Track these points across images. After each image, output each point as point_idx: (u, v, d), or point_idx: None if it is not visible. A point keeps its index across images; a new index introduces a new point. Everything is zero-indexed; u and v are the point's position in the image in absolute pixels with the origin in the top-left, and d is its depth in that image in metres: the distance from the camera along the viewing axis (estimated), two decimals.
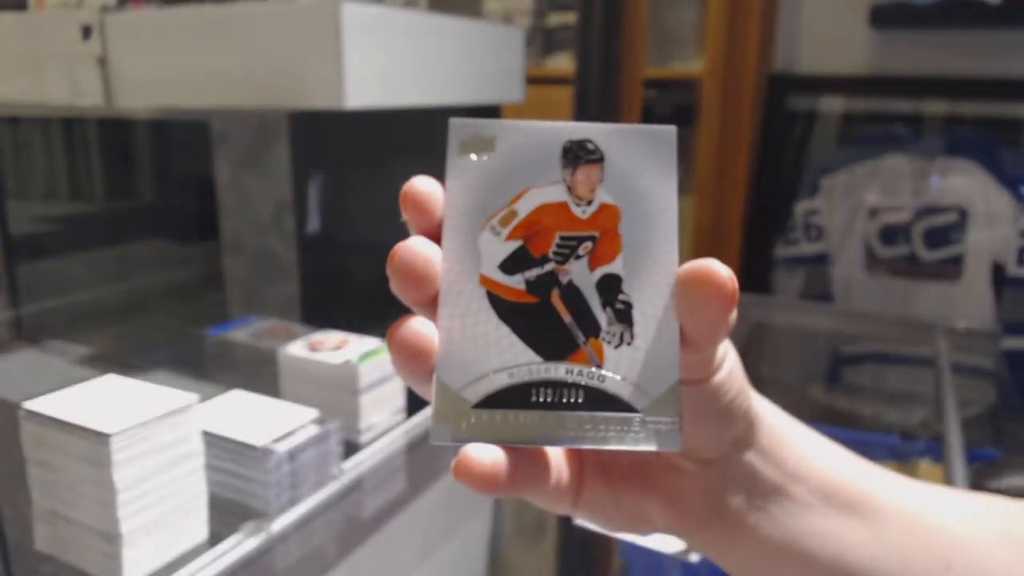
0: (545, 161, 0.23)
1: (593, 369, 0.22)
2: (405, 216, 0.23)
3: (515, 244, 0.22)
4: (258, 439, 0.56)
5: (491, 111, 1.00)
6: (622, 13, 1.27)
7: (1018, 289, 1.44)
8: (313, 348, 0.69)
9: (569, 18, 1.74)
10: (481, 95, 0.89)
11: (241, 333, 0.74)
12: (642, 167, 0.23)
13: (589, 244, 0.23)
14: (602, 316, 0.22)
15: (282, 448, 0.57)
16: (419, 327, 0.21)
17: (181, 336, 0.84)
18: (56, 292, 0.94)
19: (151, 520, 0.51)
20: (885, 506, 0.27)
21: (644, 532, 0.32)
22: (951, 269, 1.49)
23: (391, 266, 0.22)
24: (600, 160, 0.23)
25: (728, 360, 0.25)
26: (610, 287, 0.22)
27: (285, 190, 0.70)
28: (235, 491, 0.58)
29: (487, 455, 0.21)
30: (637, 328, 0.22)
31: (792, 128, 1.73)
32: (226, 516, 0.56)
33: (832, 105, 1.70)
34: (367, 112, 0.70)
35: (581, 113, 1.32)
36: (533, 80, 1.02)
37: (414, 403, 0.74)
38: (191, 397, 0.52)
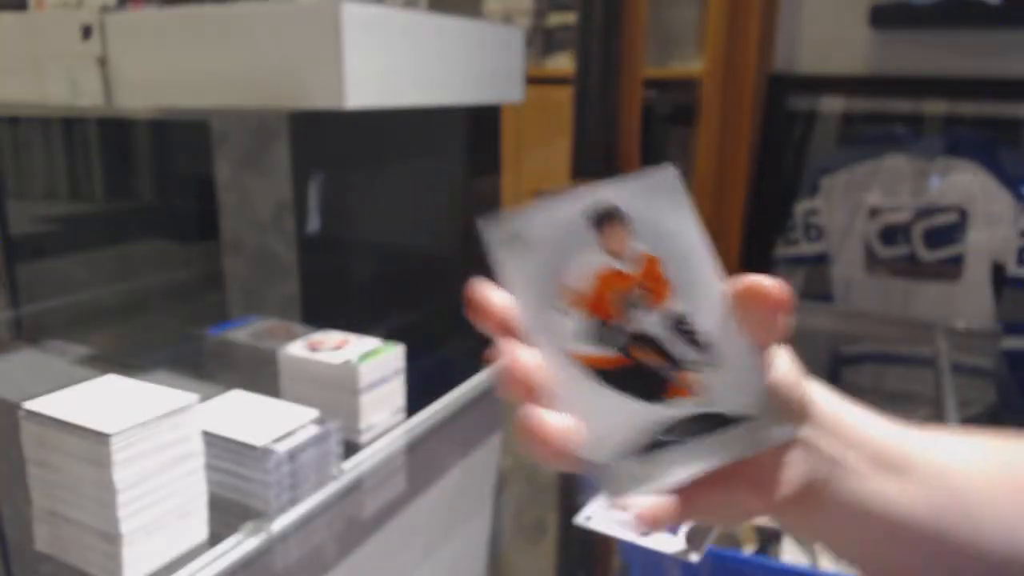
0: (577, 234, 0.25)
1: (695, 397, 0.25)
2: (473, 320, 0.26)
3: (583, 316, 0.25)
4: (258, 439, 0.56)
5: (491, 111, 1.00)
6: (622, 13, 1.27)
7: (1018, 289, 1.44)
8: (313, 348, 0.69)
9: (569, 18, 1.74)
10: (481, 95, 0.89)
11: (241, 333, 0.74)
12: (661, 211, 0.25)
13: (643, 293, 0.25)
14: (684, 350, 0.25)
15: (282, 448, 0.57)
16: (559, 423, 0.24)
17: (181, 336, 0.84)
18: (56, 292, 0.94)
19: (151, 520, 0.51)
20: (918, 464, 0.31)
21: (744, 521, 0.38)
22: (951, 269, 1.49)
23: (508, 381, 0.25)
24: (623, 218, 0.25)
25: (782, 357, 0.28)
26: (678, 324, 0.25)
27: (285, 190, 0.70)
28: (235, 491, 0.58)
29: (653, 504, 0.25)
30: (715, 350, 0.25)
31: (792, 128, 1.73)
32: (226, 516, 0.56)
33: (832, 105, 1.70)
34: (367, 112, 0.70)
35: (581, 113, 1.32)
36: (533, 80, 1.02)
37: (414, 403, 0.74)
38: (191, 397, 0.52)
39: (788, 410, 0.28)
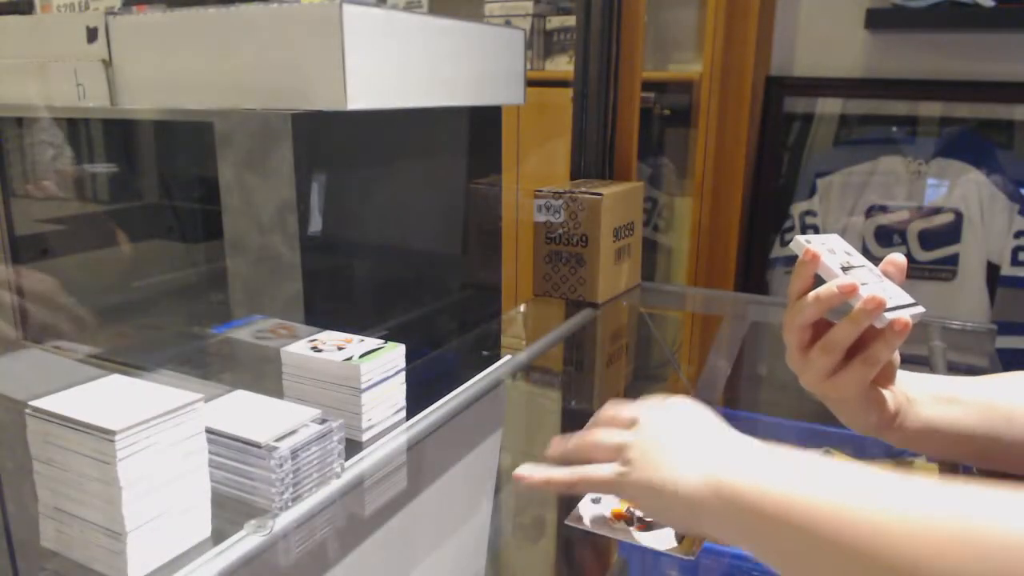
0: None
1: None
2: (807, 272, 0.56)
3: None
4: (261, 437, 0.57)
5: (492, 112, 1.00)
6: (621, 16, 1.28)
7: (1012, 288, 1.45)
8: (315, 347, 0.70)
9: (569, 21, 1.75)
10: (483, 97, 0.90)
11: (244, 332, 0.75)
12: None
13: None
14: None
15: (285, 446, 0.57)
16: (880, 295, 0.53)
17: (185, 335, 0.84)
18: (61, 292, 0.94)
19: (155, 517, 0.51)
20: (963, 395, 0.55)
21: (858, 414, 0.56)
22: (946, 269, 1.50)
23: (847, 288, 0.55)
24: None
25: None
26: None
27: (288, 190, 0.70)
28: (238, 488, 0.58)
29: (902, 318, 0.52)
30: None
31: (789, 130, 1.74)
32: (229, 513, 0.57)
33: (828, 107, 1.71)
34: (370, 113, 0.71)
35: (581, 115, 1.33)
36: (533, 82, 1.03)
37: (415, 402, 0.75)
38: (195, 395, 0.53)
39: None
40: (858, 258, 0.57)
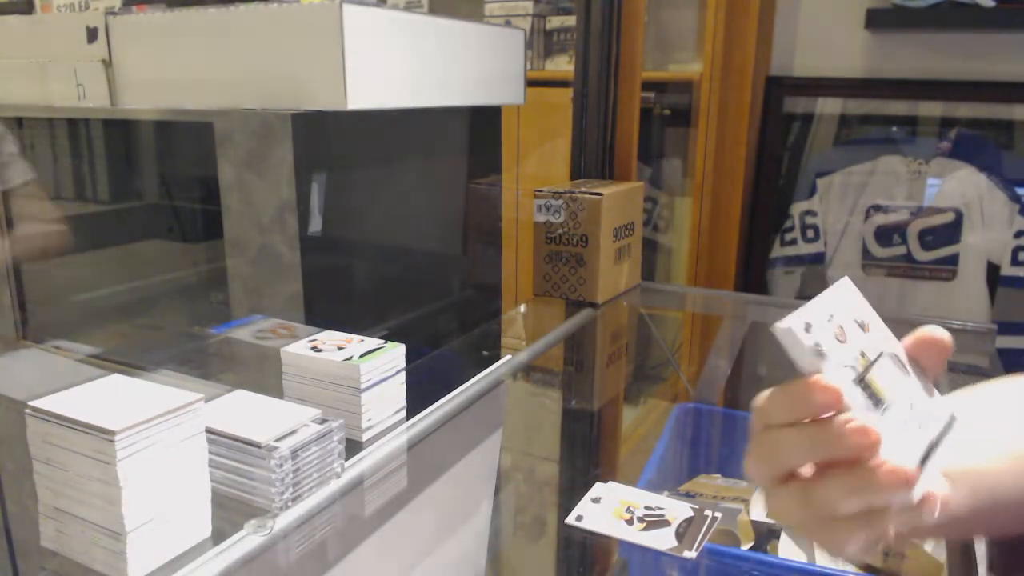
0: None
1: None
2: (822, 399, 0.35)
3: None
4: (261, 437, 0.57)
5: (492, 112, 1.00)
6: (621, 16, 1.28)
7: (1012, 288, 1.45)
8: (315, 347, 0.70)
9: (569, 21, 1.75)
10: (483, 97, 0.90)
11: (244, 332, 0.75)
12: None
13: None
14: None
15: (285, 446, 0.57)
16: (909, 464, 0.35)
17: (185, 335, 0.84)
18: (61, 292, 0.94)
19: (155, 517, 0.51)
20: (952, 473, 0.39)
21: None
22: (946, 269, 1.50)
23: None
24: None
25: None
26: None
27: (288, 190, 0.70)
28: (238, 488, 0.58)
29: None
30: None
31: (789, 130, 1.74)
32: (229, 513, 0.57)
33: (828, 107, 1.71)
34: (369, 113, 0.71)
35: (580, 115, 1.33)
36: (533, 82, 1.03)
37: (415, 403, 0.75)
38: (195, 395, 0.53)
39: None
40: (865, 335, 0.35)
